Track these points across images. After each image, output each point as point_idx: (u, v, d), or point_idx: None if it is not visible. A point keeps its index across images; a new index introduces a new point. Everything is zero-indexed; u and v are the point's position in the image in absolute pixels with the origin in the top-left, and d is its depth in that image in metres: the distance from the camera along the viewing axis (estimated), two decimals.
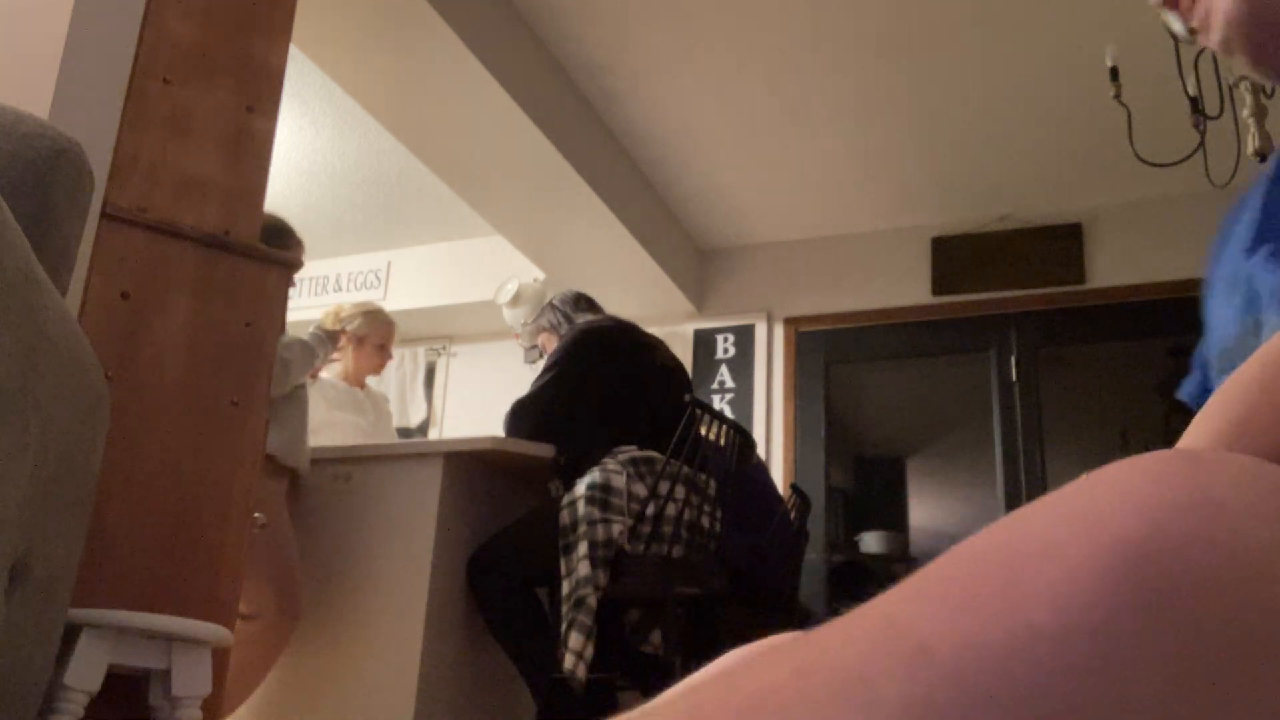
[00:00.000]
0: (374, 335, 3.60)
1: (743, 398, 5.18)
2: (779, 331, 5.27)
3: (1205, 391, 0.93)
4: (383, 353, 3.67)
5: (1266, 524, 0.33)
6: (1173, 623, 0.31)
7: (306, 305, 5.51)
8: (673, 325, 5.37)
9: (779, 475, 4.89)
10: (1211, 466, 0.36)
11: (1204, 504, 0.34)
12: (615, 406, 2.86)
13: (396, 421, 5.63)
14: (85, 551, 1.55)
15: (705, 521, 2.77)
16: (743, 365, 5.25)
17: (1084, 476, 0.37)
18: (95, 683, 1.53)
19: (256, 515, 1.98)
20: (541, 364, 3.06)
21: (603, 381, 2.88)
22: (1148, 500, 0.34)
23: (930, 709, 0.31)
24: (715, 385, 5.24)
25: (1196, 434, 0.59)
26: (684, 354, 5.31)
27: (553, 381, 2.89)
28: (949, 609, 0.34)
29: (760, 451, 4.57)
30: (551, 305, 3.31)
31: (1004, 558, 0.35)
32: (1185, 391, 0.97)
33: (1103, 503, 0.35)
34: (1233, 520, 0.33)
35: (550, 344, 3.27)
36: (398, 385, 5.95)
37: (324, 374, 3.54)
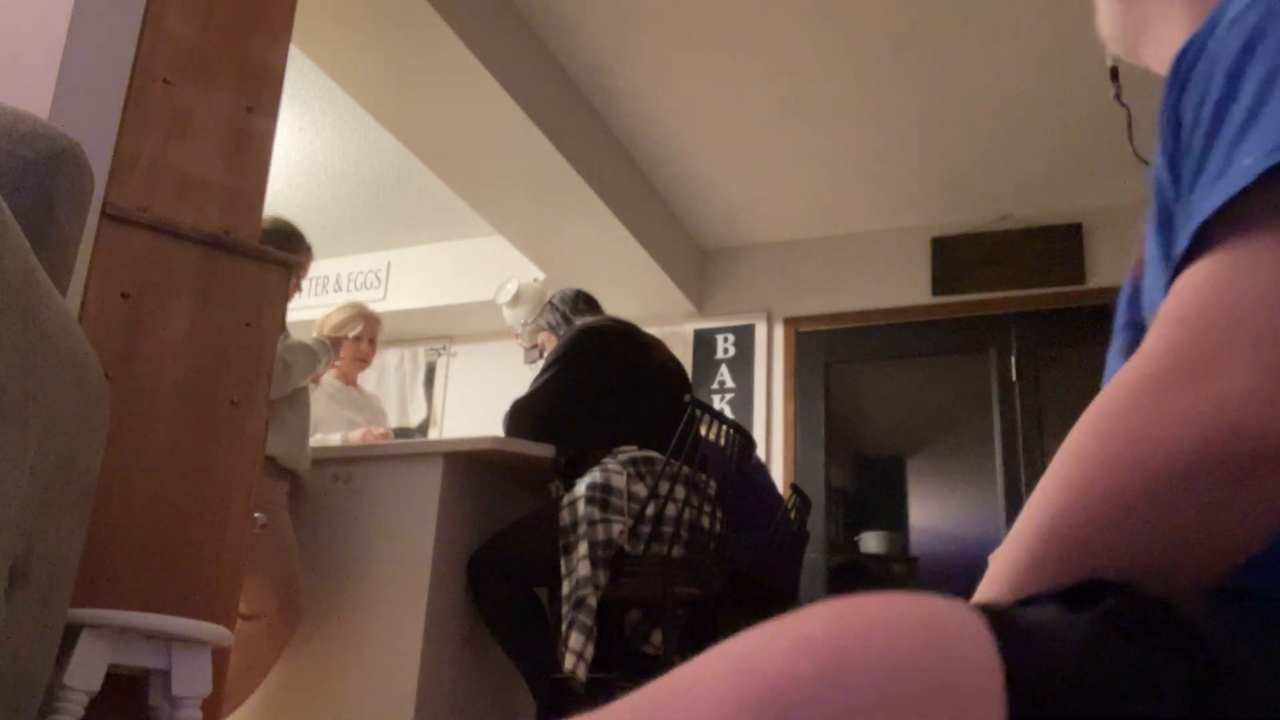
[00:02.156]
0: (352, 328, 3.57)
1: (743, 398, 5.18)
2: (779, 331, 5.27)
3: None
4: (371, 346, 3.65)
5: (871, 673, 0.41)
6: None
7: (306, 305, 5.51)
8: (673, 325, 5.37)
9: (779, 475, 4.89)
10: (861, 612, 0.44)
11: (835, 648, 0.42)
12: (614, 406, 2.86)
13: (396, 421, 5.64)
14: (85, 551, 1.55)
15: (705, 522, 2.77)
16: (743, 365, 5.25)
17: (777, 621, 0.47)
18: (95, 683, 1.53)
19: (256, 515, 1.98)
20: (541, 364, 3.06)
21: (602, 381, 2.88)
22: (797, 642, 0.43)
23: None
24: (715, 385, 5.24)
25: (991, 578, 0.59)
26: (684, 354, 5.31)
27: (552, 381, 2.89)
28: None
29: (760, 451, 4.57)
30: (551, 304, 3.31)
31: (677, 694, 0.45)
32: None
33: (766, 643, 0.44)
34: (850, 666, 0.42)
35: (550, 343, 3.27)
36: (398, 385, 5.95)
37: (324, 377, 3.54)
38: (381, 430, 3.54)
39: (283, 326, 2.23)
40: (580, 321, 3.11)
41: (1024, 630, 0.46)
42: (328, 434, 3.42)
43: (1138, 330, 0.77)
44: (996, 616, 0.46)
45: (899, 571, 5.01)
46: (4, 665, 1.17)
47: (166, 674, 1.62)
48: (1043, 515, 0.56)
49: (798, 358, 5.20)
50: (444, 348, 6.00)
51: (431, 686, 2.63)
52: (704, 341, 5.36)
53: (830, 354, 5.18)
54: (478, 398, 5.68)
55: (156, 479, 1.81)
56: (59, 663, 1.49)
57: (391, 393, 5.86)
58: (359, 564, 2.77)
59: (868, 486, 5.32)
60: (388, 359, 6.00)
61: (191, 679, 1.63)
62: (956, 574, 4.85)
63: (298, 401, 2.83)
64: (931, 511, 5.09)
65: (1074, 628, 0.46)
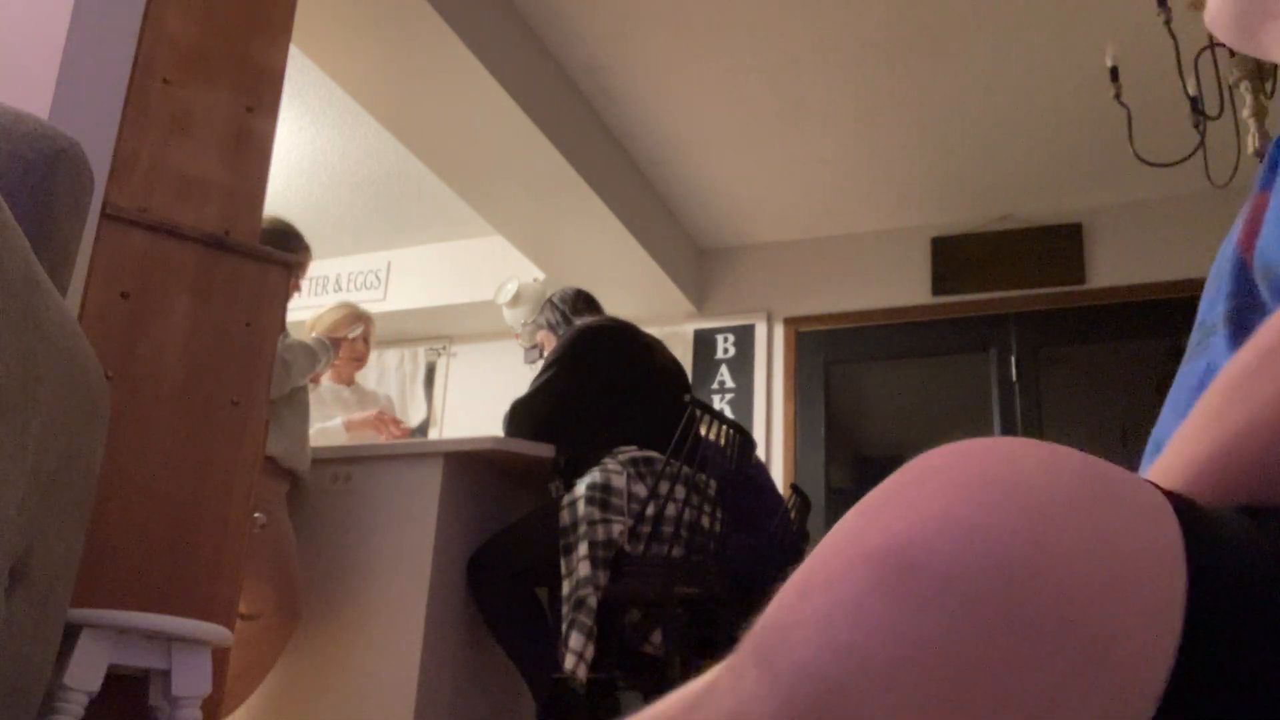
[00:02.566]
0: (351, 329, 3.56)
1: (743, 398, 5.18)
2: (779, 331, 5.27)
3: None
4: (367, 346, 3.64)
5: (1024, 516, 0.38)
6: (909, 601, 0.36)
7: (306, 305, 5.51)
8: (673, 325, 5.37)
9: (779, 475, 4.89)
10: (997, 455, 0.41)
11: (971, 495, 0.39)
12: (614, 406, 2.85)
13: None
14: (85, 551, 1.55)
15: (705, 522, 2.77)
16: (743, 365, 5.25)
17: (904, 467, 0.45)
18: (95, 683, 1.53)
19: (256, 515, 1.98)
20: (540, 364, 3.06)
21: (601, 381, 2.88)
22: (925, 493, 0.40)
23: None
24: (715, 385, 5.24)
25: (1176, 456, 0.58)
26: (684, 354, 5.31)
27: (551, 381, 2.89)
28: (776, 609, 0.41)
29: (760, 451, 4.57)
30: (550, 303, 3.30)
31: (823, 552, 0.42)
32: None
33: (888, 498, 0.42)
34: (992, 511, 0.38)
35: (549, 343, 3.27)
36: (398, 385, 5.95)
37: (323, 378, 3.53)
38: (391, 416, 3.52)
39: (282, 326, 2.23)
40: (580, 321, 3.11)
41: (1206, 516, 0.43)
42: (324, 423, 3.41)
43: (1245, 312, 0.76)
44: (1176, 498, 0.43)
45: None
46: (4, 665, 1.17)
47: (166, 674, 1.62)
48: (1194, 453, 0.55)
49: (797, 358, 5.20)
50: (444, 348, 6.00)
51: (431, 686, 2.63)
52: (704, 341, 5.36)
53: (830, 354, 5.18)
54: (478, 398, 5.68)
55: (156, 479, 1.81)
56: (59, 663, 1.49)
57: (392, 393, 5.85)
58: (359, 564, 2.78)
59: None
60: (388, 359, 6.00)
61: (191, 679, 1.63)
62: None
63: (297, 401, 2.83)
64: None
65: (1259, 530, 0.44)
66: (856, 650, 0.37)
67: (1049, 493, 0.39)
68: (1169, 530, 0.41)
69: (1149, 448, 0.77)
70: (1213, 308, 0.76)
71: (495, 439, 2.75)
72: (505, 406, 2.93)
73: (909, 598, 0.37)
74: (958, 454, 0.42)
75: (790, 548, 3.43)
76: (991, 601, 0.36)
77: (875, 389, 5.40)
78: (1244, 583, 0.40)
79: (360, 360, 3.68)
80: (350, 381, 3.70)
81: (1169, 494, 0.43)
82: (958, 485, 0.40)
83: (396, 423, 3.51)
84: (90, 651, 1.53)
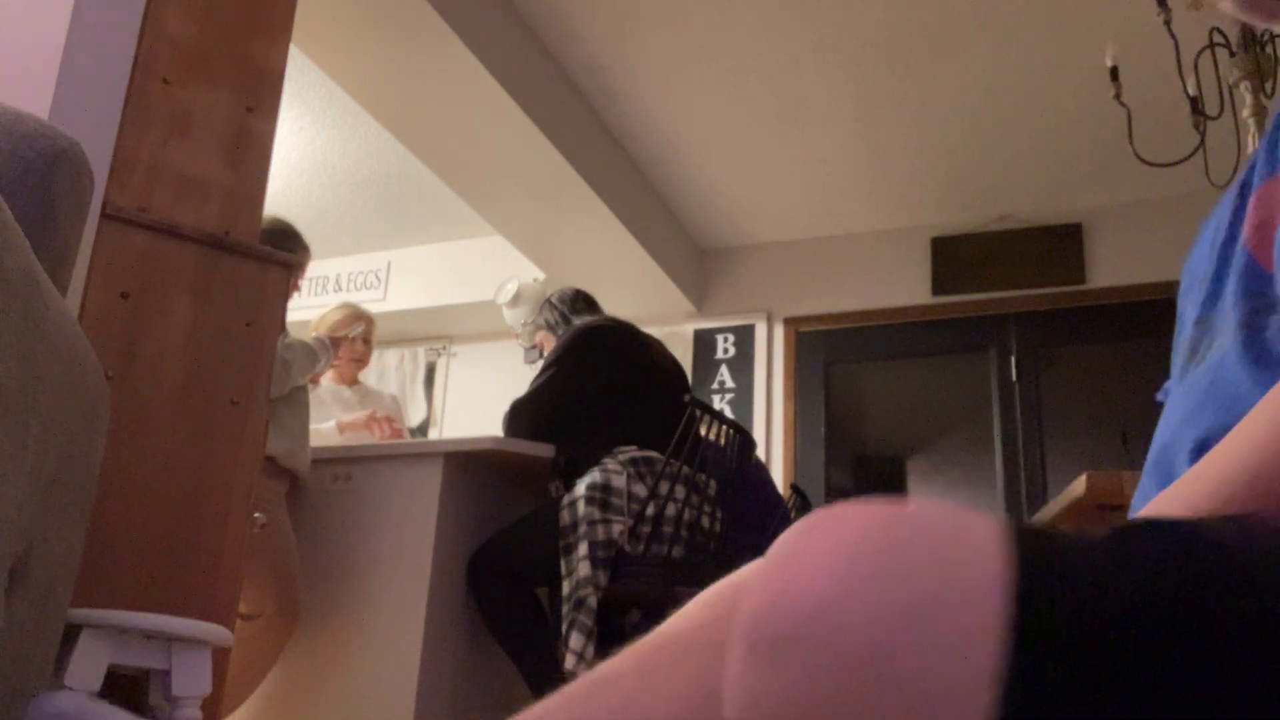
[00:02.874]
0: (353, 328, 3.55)
1: (743, 398, 5.18)
2: (779, 331, 5.27)
3: None
4: (367, 346, 3.63)
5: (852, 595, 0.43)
6: (774, 667, 0.43)
7: (306, 305, 5.51)
8: (673, 325, 5.37)
9: (779, 475, 4.89)
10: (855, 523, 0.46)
11: (821, 571, 0.44)
12: (613, 406, 2.85)
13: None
14: (85, 551, 1.55)
15: (705, 522, 2.77)
16: (743, 365, 5.25)
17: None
18: (95, 683, 1.53)
19: (256, 515, 1.98)
20: (540, 364, 3.06)
21: (601, 381, 2.88)
22: (791, 570, 0.45)
23: None
24: (715, 385, 5.25)
25: (1187, 496, 0.57)
26: (684, 354, 5.31)
27: (550, 381, 2.89)
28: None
29: (760, 451, 4.57)
30: (549, 303, 3.30)
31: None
32: (1164, 393, 0.96)
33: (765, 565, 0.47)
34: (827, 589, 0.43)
35: (548, 342, 3.27)
36: (398, 385, 5.95)
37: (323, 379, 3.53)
38: (385, 415, 3.51)
39: (282, 326, 2.23)
40: (579, 321, 3.11)
41: (1039, 533, 0.46)
42: (318, 424, 3.40)
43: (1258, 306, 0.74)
44: (1026, 533, 0.46)
45: None
46: (4, 665, 1.17)
47: (166, 674, 1.62)
48: (1237, 466, 0.55)
49: (797, 358, 5.20)
50: (444, 348, 6.00)
51: (431, 686, 2.63)
52: (704, 341, 5.36)
53: (830, 354, 5.18)
54: (478, 398, 5.68)
55: (156, 479, 1.81)
56: (59, 663, 1.49)
57: (392, 393, 5.85)
58: (359, 564, 2.78)
59: (868, 486, 5.32)
60: (388, 359, 6.00)
61: (191, 679, 1.63)
62: None
63: (296, 401, 2.83)
64: None
65: (1095, 539, 0.46)
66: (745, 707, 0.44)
67: (875, 562, 0.43)
68: (989, 565, 0.43)
69: (1153, 455, 0.74)
70: (1209, 307, 0.73)
71: (495, 439, 2.75)
72: (505, 406, 2.93)
73: (772, 664, 0.43)
74: (818, 528, 0.47)
75: None
76: (825, 664, 0.42)
77: (875, 389, 5.40)
78: (1079, 606, 0.42)
79: (361, 361, 3.67)
80: (353, 381, 3.70)
81: (1019, 528, 0.46)
82: (813, 561, 0.45)
83: (389, 421, 3.50)
84: (90, 651, 1.53)
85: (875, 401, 5.44)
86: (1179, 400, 0.72)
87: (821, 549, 0.44)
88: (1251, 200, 0.72)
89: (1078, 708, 0.40)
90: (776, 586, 0.44)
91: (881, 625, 0.41)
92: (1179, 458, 0.68)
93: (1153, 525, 0.48)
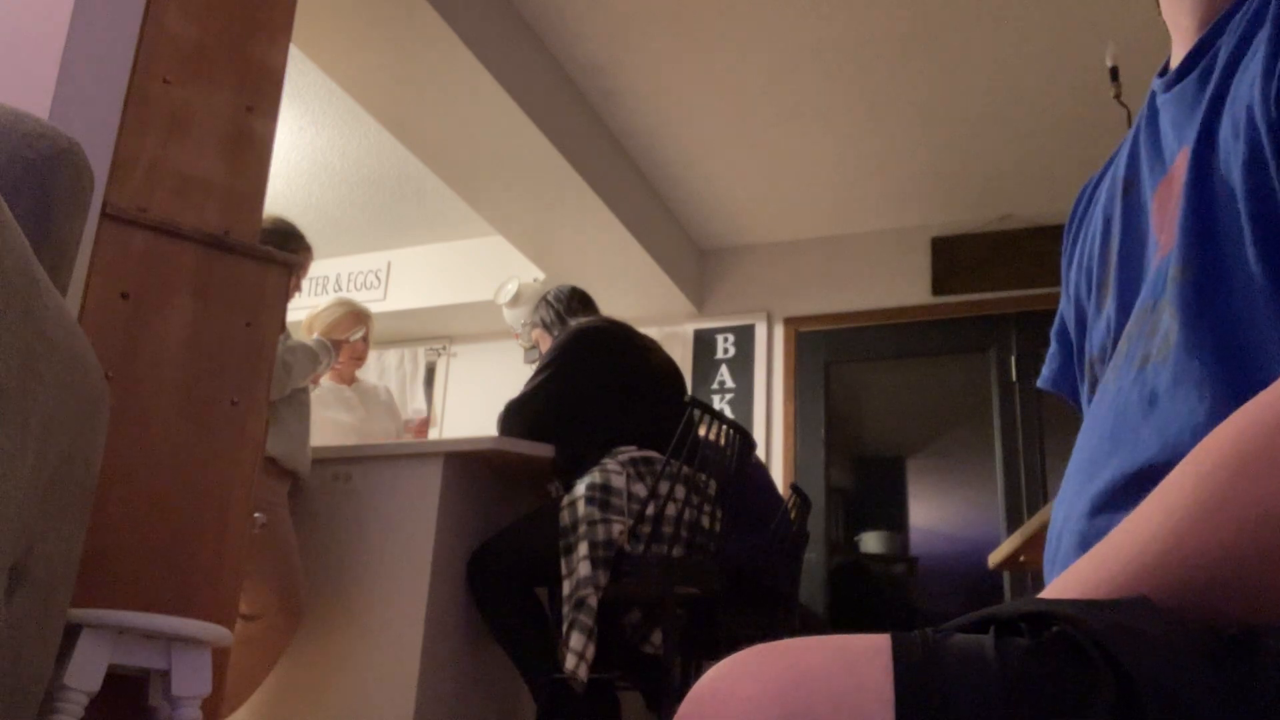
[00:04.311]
0: (354, 330, 3.54)
1: (743, 397, 5.18)
2: (779, 331, 5.27)
3: (1063, 375, 0.91)
4: (366, 344, 3.63)
5: None
6: None
7: (307, 305, 5.50)
8: (673, 325, 5.37)
9: (779, 475, 4.89)
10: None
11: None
12: (609, 406, 2.85)
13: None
14: (85, 551, 1.55)
15: (705, 521, 2.77)
16: (743, 365, 5.25)
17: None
18: (95, 683, 1.53)
19: (256, 515, 1.98)
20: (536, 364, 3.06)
21: (597, 382, 2.88)
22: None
23: None
24: (715, 385, 5.25)
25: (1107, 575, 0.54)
26: (684, 354, 5.31)
27: (545, 382, 2.89)
28: None
29: (760, 452, 4.57)
30: (545, 301, 3.30)
31: None
32: (1045, 379, 0.94)
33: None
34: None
35: (544, 341, 3.27)
36: (398, 385, 5.95)
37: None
38: (413, 424, 3.47)
39: (283, 327, 2.23)
40: (575, 322, 3.11)
41: (930, 647, 0.48)
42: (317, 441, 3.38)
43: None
44: (910, 643, 0.48)
45: (899, 572, 5.01)
46: (4, 665, 1.17)
47: (167, 674, 1.62)
48: (1148, 550, 0.51)
49: (798, 357, 5.20)
50: (444, 348, 6.00)
51: (431, 686, 2.63)
52: (704, 341, 5.36)
53: (830, 354, 5.18)
54: (478, 398, 5.68)
55: (156, 479, 1.81)
56: (59, 663, 1.49)
57: (392, 392, 5.85)
58: (359, 564, 2.78)
59: (867, 486, 5.32)
60: (388, 359, 6.00)
61: (191, 679, 1.63)
62: (956, 574, 4.85)
63: (297, 402, 2.83)
64: (931, 511, 5.09)
65: (986, 647, 0.47)
66: None
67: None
68: (877, 677, 0.47)
69: (1072, 471, 0.71)
70: (1125, 311, 0.71)
71: (495, 439, 2.75)
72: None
73: None
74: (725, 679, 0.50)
75: (790, 547, 3.43)
76: None
77: (875, 389, 5.40)
78: (954, 707, 0.44)
79: (360, 359, 3.67)
80: (352, 380, 3.70)
81: (905, 662, 0.47)
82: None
83: (421, 425, 3.48)
84: (90, 651, 1.53)
85: (875, 401, 5.44)
86: (1105, 413, 0.69)
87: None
88: (1153, 204, 0.71)
89: None
90: None
91: None
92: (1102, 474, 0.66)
93: (1055, 640, 0.47)
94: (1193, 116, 0.68)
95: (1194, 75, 0.70)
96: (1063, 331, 0.90)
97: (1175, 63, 0.75)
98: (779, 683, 0.47)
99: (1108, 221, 0.79)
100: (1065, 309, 0.89)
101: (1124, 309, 0.73)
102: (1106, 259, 0.78)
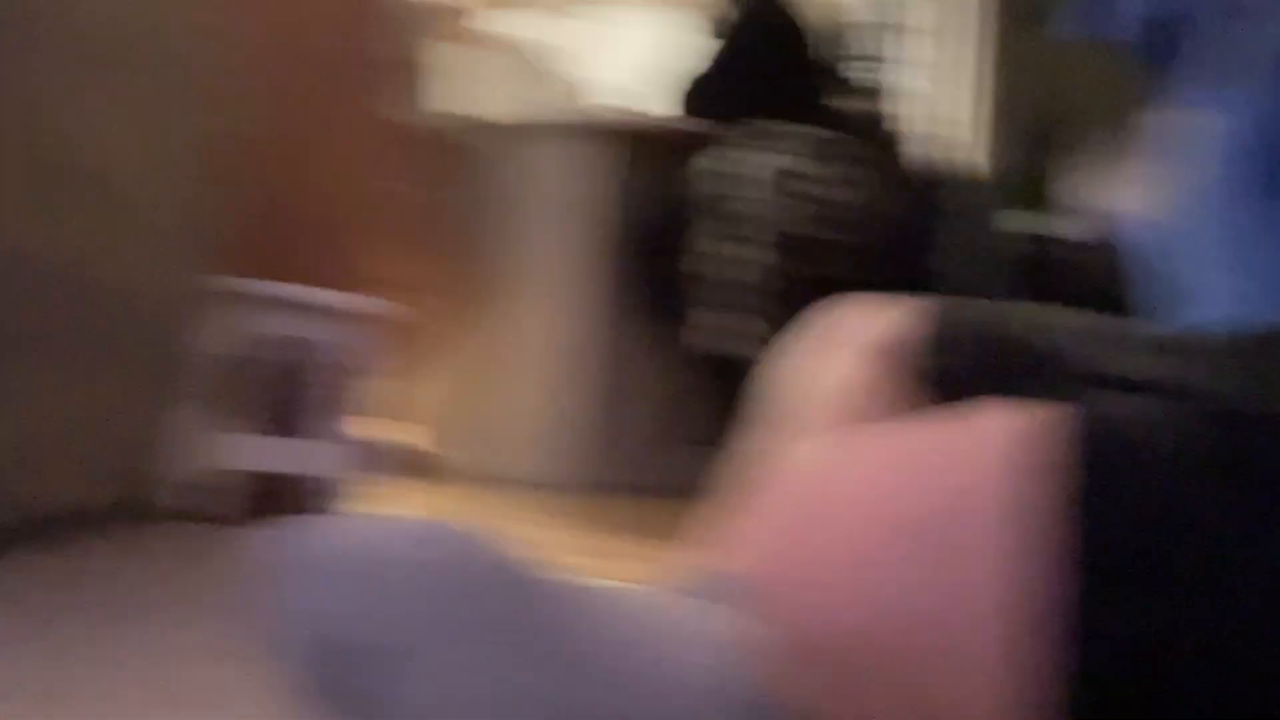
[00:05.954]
0: None
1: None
2: None
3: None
4: None
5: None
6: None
7: None
8: None
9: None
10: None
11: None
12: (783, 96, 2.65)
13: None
14: (234, 225, 1.53)
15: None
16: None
17: None
18: (241, 349, 1.54)
19: (399, 182, 1.93)
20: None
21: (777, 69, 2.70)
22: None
23: None
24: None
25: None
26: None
27: (736, 55, 2.71)
28: None
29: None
30: None
31: None
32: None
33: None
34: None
35: None
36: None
37: None
38: None
39: None
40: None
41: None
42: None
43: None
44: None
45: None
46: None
47: (318, 344, 1.61)
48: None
49: None
50: None
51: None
52: None
53: None
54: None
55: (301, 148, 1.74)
56: (203, 331, 1.50)
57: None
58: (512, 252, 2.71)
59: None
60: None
61: (343, 350, 1.62)
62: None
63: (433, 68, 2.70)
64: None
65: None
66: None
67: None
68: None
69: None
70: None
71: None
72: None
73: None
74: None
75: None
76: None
77: None
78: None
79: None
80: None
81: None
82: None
83: None
84: (235, 319, 1.54)
85: None
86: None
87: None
88: None
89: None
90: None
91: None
92: None
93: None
94: None
95: None
96: None
97: None
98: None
99: None
100: None
101: None
102: None
